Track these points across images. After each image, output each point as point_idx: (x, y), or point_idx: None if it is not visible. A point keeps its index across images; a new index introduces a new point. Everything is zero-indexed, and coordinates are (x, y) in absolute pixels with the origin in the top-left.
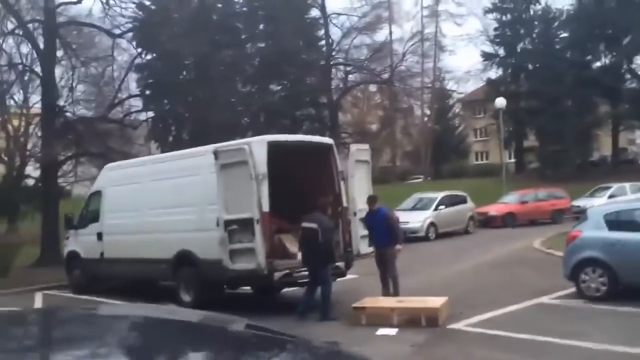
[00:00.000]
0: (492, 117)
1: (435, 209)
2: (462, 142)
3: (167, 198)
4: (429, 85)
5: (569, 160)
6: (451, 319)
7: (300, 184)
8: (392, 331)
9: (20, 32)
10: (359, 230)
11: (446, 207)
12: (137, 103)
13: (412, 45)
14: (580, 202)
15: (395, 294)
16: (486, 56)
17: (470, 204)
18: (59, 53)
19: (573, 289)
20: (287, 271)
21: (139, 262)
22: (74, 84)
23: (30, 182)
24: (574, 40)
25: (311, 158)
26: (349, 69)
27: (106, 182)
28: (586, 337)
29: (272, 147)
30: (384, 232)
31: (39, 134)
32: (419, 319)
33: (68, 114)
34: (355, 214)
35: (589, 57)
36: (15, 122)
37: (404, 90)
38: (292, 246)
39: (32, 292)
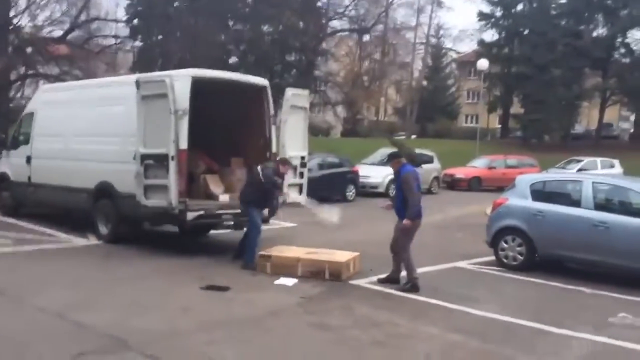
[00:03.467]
0: (482, 79)
1: None
2: (453, 103)
3: (91, 126)
4: (424, 41)
5: (550, 130)
6: (358, 275)
7: (231, 124)
8: (290, 281)
9: None
10: (290, 179)
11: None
12: (124, 31)
13: None
14: None
15: (395, 275)
16: (482, 16)
17: (436, 164)
18: None
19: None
20: (202, 212)
21: (62, 189)
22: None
23: None
24: (571, 8)
25: (243, 98)
26: (330, 15)
27: (39, 103)
28: (479, 303)
29: (199, 83)
30: (400, 198)
31: None
32: (323, 271)
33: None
34: None
35: (582, 27)
36: None
37: (396, 43)
38: (216, 187)
39: None
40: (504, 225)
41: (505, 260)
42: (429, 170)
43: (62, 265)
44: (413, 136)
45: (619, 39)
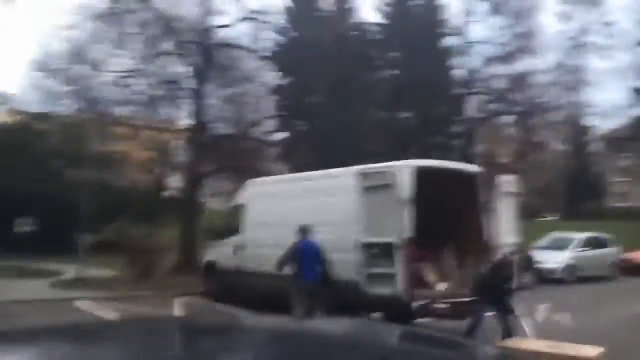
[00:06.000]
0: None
1: (576, 250)
2: (599, 182)
3: (305, 216)
4: (566, 120)
5: None
6: None
7: (444, 212)
8: None
9: (177, 51)
10: None
11: (588, 249)
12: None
13: (551, 77)
14: None
15: None
16: (637, 92)
17: (613, 248)
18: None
19: None
20: (427, 301)
21: (273, 276)
22: (220, 103)
23: (169, 193)
24: None
25: (456, 186)
26: (487, 98)
27: (249, 196)
28: None
29: (419, 172)
30: None
31: (183, 148)
32: None
33: (214, 131)
34: (498, 248)
35: None
36: (163, 136)
37: (540, 124)
38: (430, 275)
39: (171, 297)
40: None
41: None
42: (606, 254)
43: None
44: (551, 217)
45: None
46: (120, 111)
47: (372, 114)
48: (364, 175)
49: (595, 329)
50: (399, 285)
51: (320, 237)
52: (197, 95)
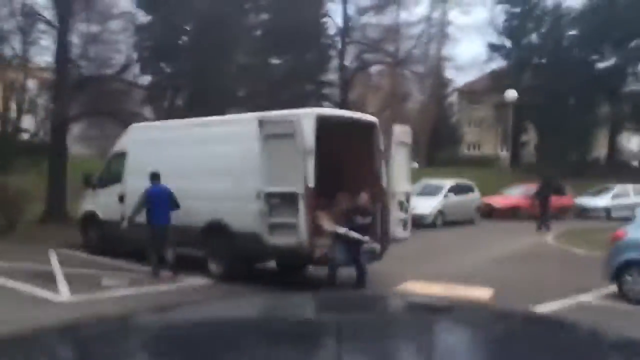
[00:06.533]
0: (494, 108)
1: (444, 196)
2: (456, 131)
3: (199, 164)
4: (430, 72)
5: (566, 158)
6: None
7: (340, 161)
8: None
9: None
10: (396, 214)
11: (454, 195)
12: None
13: (419, 30)
14: (584, 201)
15: None
16: (492, 47)
17: (476, 193)
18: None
19: (609, 289)
20: (326, 250)
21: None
22: (84, 41)
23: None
24: (581, 39)
25: (353, 135)
26: (360, 48)
27: (131, 142)
28: None
29: (319, 121)
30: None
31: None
32: None
33: (83, 71)
34: (393, 196)
35: (594, 57)
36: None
37: (407, 75)
38: (327, 224)
39: (44, 250)
40: (626, 259)
41: (630, 295)
42: (470, 200)
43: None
44: (415, 165)
45: (629, 69)
46: None
47: (242, 59)
48: (265, 122)
49: (470, 270)
50: (302, 235)
51: (216, 186)
52: (59, 30)
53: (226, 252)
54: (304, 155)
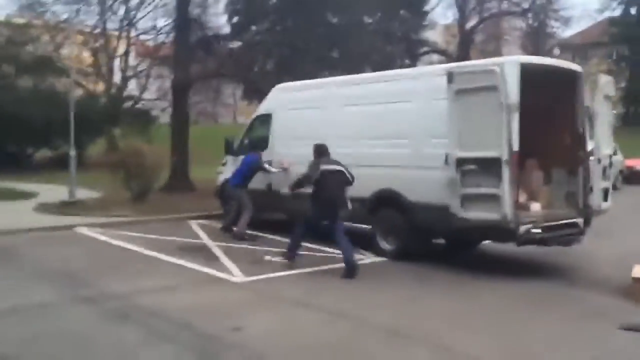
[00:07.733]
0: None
1: None
2: None
3: (363, 127)
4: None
5: None
6: None
7: (534, 120)
8: None
9: None
10: (599, 183)
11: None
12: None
13: None
14: None
15: None
16: None
17: (619, 156)
18: None
19: None
20: (530, 226)
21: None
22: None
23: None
24: None
25: (552, 87)
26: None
27: (278, 104)
28: None
29: (523, 71)
30: None
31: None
32: None
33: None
34: (599, 161)
35: None
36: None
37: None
38: (521, 195)
39: (184, 221)
40: None
41: None
42: (615, 163)
43: (404, 292)
44: None
45: None
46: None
47: (332, 19)
48: (457, 75)
49: None
50: (506, 208)
51: (385, 151)
52: None
53: (401, 227)
54: (508, 113)
